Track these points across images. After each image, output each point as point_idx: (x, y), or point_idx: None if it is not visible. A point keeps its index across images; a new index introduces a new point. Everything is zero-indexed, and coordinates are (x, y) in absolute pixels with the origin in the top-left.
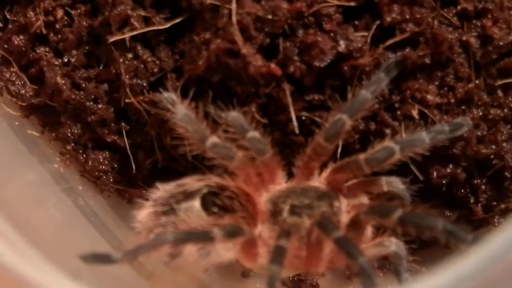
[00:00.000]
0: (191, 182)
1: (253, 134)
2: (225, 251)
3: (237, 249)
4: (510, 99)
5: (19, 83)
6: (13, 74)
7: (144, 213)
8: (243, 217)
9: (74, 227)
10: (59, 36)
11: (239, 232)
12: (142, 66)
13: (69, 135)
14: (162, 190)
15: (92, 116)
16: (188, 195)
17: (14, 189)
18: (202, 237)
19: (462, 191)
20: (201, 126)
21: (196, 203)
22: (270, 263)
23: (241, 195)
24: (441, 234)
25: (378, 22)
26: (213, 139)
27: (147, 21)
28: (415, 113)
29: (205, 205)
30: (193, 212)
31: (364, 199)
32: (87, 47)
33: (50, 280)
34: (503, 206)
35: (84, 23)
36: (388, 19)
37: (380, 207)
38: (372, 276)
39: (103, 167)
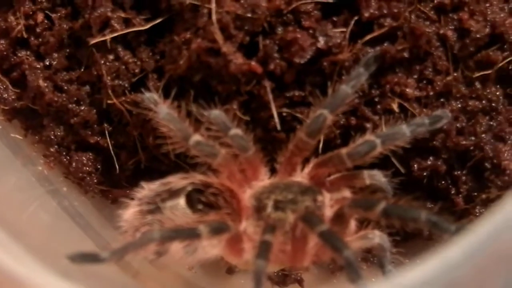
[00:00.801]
0: (176, 180)
1: (236, 131)
2: (211, 247)
3: (223, 246)
4: (488, 91)
5: (1, 87)
6: None
7: (129, 212)
8: (228, 214)
9: (60, 228)
10: (40, 39)
11: (225, 228)
12: (123, 67)
13: (52, 137)
14: (147, 189)
15: (75, 118)
16: (173, 193)
17: (1, 192)
18: (189, 234)
19: (443, 182)
20: (184, 125)
21: (181, 201)
22: (256, 258)
23: (225, 191)
24: (424, 225)
25: (356, 18)
26: (196, 137)
27: (127, 22)
28: (395, 106)
29: (190, 203)
30: (178, 210)
31: (347, 193)
32: (68, 50)
33: (41, 279)
34: (484, 196)
35: (65, 26)
36: (366, 14)
37: (363, 200)
38: (358, 269)
39: (87, 168)
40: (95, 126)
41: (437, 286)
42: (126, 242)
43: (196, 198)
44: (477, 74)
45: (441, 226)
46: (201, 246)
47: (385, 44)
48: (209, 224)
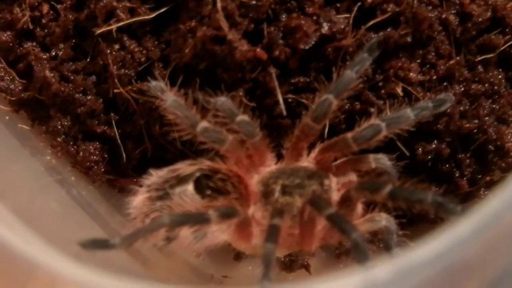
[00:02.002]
0: (184, 166)
1: (242, 117)
2: (220, 232)
3: (232, 230)
4: (490, 74)
5: (8, 78)
6: (2, 70)
7: (138, 199)
8: (236, 199)
9: (69, 216)
10: (46, 30)
11: (234, 213)
12: (129, 56)
13: (59, 127)
14: (156, 175)
15: (81, 108)
16: (181, 180)
17: (9, 182)
18: (198, 219)
19: (447, 165)
20: (191, 112)
21: (190, 187)
22: (265, 241)
23: (233, 177)
24: (430, 206)
25: (359, 4)
26: (204, 124)
27: (132, 12)
28: (399, 90)
29: (199, 188)
30: (187, 196)
31: (353, 177)
32: (74, 40)
33: (53, 263)
34: (487, 178)
35: (70, 16)
36: (369, 0)
37: (370, 183)
38: (366, 250)
39: (94, 157)
40: (102, 115)
41: (442, 265)
42: (137, 228)
43: (205, 184)
44: (479, 58)
45: (447, 207)
46: (210, 231)
47: (388, 29)
48: (218, 209)
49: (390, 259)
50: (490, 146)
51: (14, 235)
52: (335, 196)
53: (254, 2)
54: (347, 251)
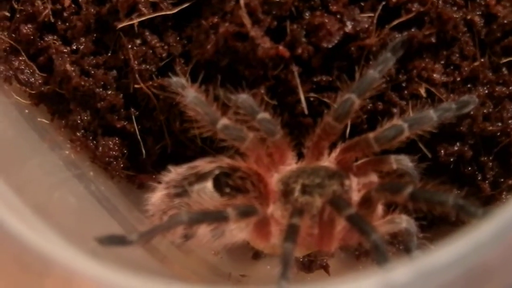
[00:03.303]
0: (203, 164)
1: (263, 115)
2: (238, 231)
3: (250, 229)
4: None
5: (28, 71)
6: (22, 63)
7: (157, 196)
8: (255, 197)
9: (87, 211)
10: (67, 24)
11: (253, 211)
12: (151, 51)
13: (78, 122)
14: (175, 172)
15: (102, 103)
16: (200, 177)
17: (28, 176)
18: (217, 217)
19: (470, 168)
20: (212, 109)
21: (209, 184)
22: (284, 241)
23: (252, 175)
24: (452, 209)
25: (384, 3)
26: (224, 121)
27: (154, 6)
28: (422, 91)
29: (218, 186)
30: (206, 193)
31: (374, 178)
32: (95, 34)
33: (69, 258)
34: (510, 182)
35: (92, 10)
36: None
37: (391, 184)
38: (386, 252)
39: (113, 153)
40: (122, 110)
41: (462, 269)
42: (154, 225)
43: (224, 182)
44: (504, 60)
45: (469, 210)
46: (228, 229)
47: (413, 29)
48: (237, 207)
49: (409, 262)
50: None
51: (32, 231)
52: (356, 196)
53: None
54: (367, 252)
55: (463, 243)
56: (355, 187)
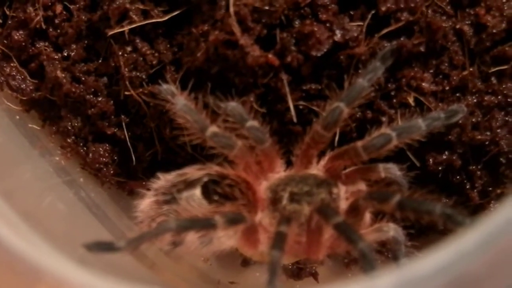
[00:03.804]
0: (192, 171)
1: (252, 123)
2: (226, 238)
3: (238, 237)
4: (504, 86)
5: (20, 77)
6: (14, 69)
7: (146, 203)
8: (244, 205)
9: (76, 218)
10: (59, 30)
11: (241, 219)
12: (141, 58)
13: (69, 128)
14: (163, 179)
15: (92, 109)
16: (189, 184)
17: (18, 182)
18: (204, 224)
19: (458, 177)
20: (201, 116)
21: (197, 192)
22: (271, 249)
23: (241, 183)
24: (439, 218)
25: (373, 12)
26: (213, 129)
27: (145, 14)
28: (411, 100)
29: (206, 194)
30: (194, 201)
31: (362, 186)
32: (86, 41)
33: (57, 267)
34: (498, 191)
35: (83, 17)
36: (383, 8)
37: (378, 193)
38: (373, 260)
39: (104, 159)
40: (112, 117)
41: (446, 278)
42: (142, 232)
43: (212, 189)
44: (493, 69)
45: (456, 219)
46: (216, 236)
47: (402, 38)
48: (225, 214)
49: (393, 270)
50: (502, 159)
51: (20, 238)
52: (344, 204)
53: (267, 8)
54: (356, 260)
55: (449, 252)
56: (343, 195)
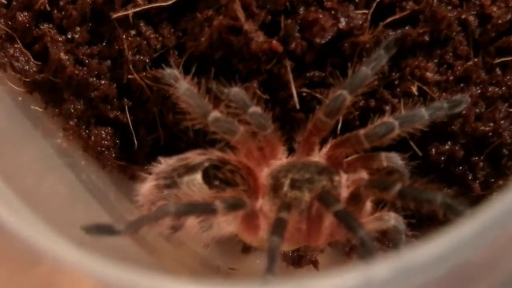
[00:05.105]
0: (193, 156)
1: (255, 109)
2: (226, 224)
3: (238, 222)
4: (508, 77)
5: (23, 59)
6: (17, 51)
7: (146, 186)
8: (245, 191)
9: (76, 200)
10: (63, 12)
11: (241, 204)
12: (145, 42)
13: (72, 111)
14: (165, 163)
15: (95, 92)
16: (190, 169)
17: (19, 163)
18: (204, 209)
19: (460, 168)
20: (203, 101)
21: (198, 177)
22: (271, 235)
23: (242, 169)
24: (439, 207)
25: (378, 0)
26: (215, 114)
27: None
28: (414, 90)
29: (207, 179)
30: (195, 185)
31: (364, 174)
32: (90, 24)
33: (56, 248)
34: (500, 182)
35: (88, 0)
36: None
37: (379, 181)
38: (372, 249)
39: (106, 142)
40: (115, 101)
41: (445, 266)
42: (142, 215)
43: (213, 174)
44: (497, 60)
45: (456, 209)
46: (216, 222)
47: (406, 27)
48: (225, 200)
49: (391, 258)
50: (504, 150)
51: (19, 218)
52: (345, 192)
53: None
54: (356, 247)
55: (448, 240)
56: (345, 183)
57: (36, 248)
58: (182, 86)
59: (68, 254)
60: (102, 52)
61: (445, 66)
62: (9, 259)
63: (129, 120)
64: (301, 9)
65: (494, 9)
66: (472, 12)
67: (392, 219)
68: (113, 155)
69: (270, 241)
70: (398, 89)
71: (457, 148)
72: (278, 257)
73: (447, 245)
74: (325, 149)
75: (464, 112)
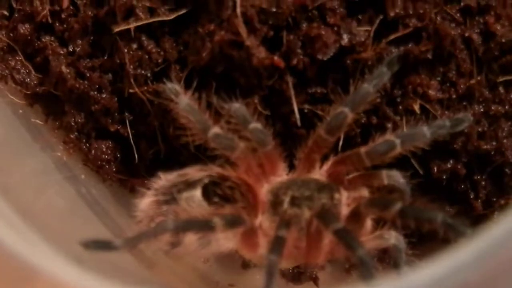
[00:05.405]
0: (193, 172)
1: (255, 125)
2: (225, 240)
3: (237, 239)
4: (511, 96)
5: (24, 71)
6: (18, 63)
7: (145, 202)
8: (244, 207)
9: (76, 214)
10: (65, 25)
11: (240, 221)
12: (147, 56)
13: (72, 124)
14: (164, 179)
15: (96, 106)
16: (189, 185)
17: (18, 176)
18: (203, 225)
19: (462, 186)
20: (204, 117)
21: (197, 193)
22: (269, 253)
23: (242, 185)
24: (440, 227)
25: (381, 17)
26: (215, 130)
27: (152, 11)
28: (416, 107)
29: (206, 195)
30: (194, 202)
31: (365, 192)
32: (92, 37)
33: (53, 265)
34: (502, 202)
35: (90, 12)
36: (392, 13)
37: (380, 200)
38: (371, 268)
39: (106, 156)
40: (116, 114)
41: (448, 285)
42: (140, 231)
43: (212, 191)
44: (501, 79)
45: (457, 229)
46: (215, 238)
47: (409, 45)
48: (224, 216)
49: (391, 279)
50: (506, 169)
51: (16, 234)
52: (345, 210)
53: (274, 9)
54: (356, 265)
55: (448, 262)
56: (345, 201)
57: (33, 265)
58: (183, 101)
59: (65, 271)
60: (103, 65)
61: (448, 83)
62: (5, 276)
63: (129, 133)
64: (304, 25)
65: (498, 27)
66: (476, 30)
67: (393, 238)
68: (114, 168)
69: (268, 259)
70: (400, 107)
71: (459, 166)
72: (276, 276)
73: (447, 267)
74: (326, 166)
75: (466, 130)
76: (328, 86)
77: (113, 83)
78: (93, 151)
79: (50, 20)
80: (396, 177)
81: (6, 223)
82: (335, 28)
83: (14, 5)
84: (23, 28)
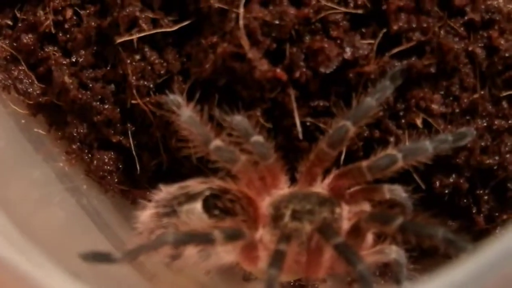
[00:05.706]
0: (194, 184)
1: (257, 138)
2: (226, 253)
3: (238, 252)
4: None
5: (27, 81)
6: (21, 72)
7: (146, 214)
8: (244, 221)
9: (76, 226)
10: (68, 35)
11: (240, 235)
12: (149, 67)
13: (75, 134)
14: (165, 191)
15: (98, 116)
16: (190, 197)
17: (19, 187)
18: (203, 239)
19: (465, 201)
20: (205, 129)
21: (198, 206)
22: (269, 267)
23: (243, 198)
24: (441, 243)
25: (384, 30)
26: (217, 142)
27: (155, 23)
28: (419, 121)
29: (207, 208)
30: (194, 214)
31: (366, 206)
32: (95, 47)
33: (52, 279)
34: (505, 217)
35: (93, 23)
36: (395, 27)
37: (381, 215)
38: (371, 283)
39: (108, 167)
40: (118, 125)
41: None
42: (140, 244)
43: (213, 204)
44: (504, 93)
45: (458, 245)
46: (215, 251)
47: (413, 58)
48: (224, 230)
49: None
50: (509, 184)
51: (14, 246)
52: (346, 225)
53: (277, 22)
54: (356, 280)
55: (448, 278)
56: (346, 215)
57: (32, 279)
58: (185, 114)
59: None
60: (106, 76)
61: (451, 98)
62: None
63: (131, 144)
64: (307, 38)
65: (502, 42)
66: (480, 44)
67: (393, 253)
68: (115, 179)
69: (267, 273)
70: (403, 120)
71: (461, 181)
72: None
73: (449, 282)
74: (327, 180)
75: (469, 144)
76: (330, 100)
77: (116, 94)
78: (95, 162)
79: (53, 30)
80: (398, 192)
81: (4, 236)
82: (338, 41)
83: (18, 15)
84: (27, 38)
